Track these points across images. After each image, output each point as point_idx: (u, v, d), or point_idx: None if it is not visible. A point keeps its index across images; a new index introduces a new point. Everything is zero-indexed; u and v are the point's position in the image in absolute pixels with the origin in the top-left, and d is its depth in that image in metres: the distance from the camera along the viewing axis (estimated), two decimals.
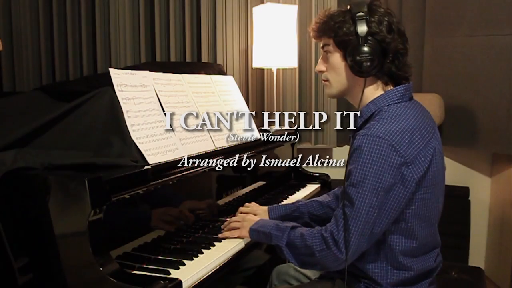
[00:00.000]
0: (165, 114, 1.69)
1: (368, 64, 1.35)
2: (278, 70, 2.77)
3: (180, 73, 1.91)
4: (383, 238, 1.38)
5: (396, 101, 1.39)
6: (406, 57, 1.42)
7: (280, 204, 1.85)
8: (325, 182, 2.44)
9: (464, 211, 2.93)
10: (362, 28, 1.36)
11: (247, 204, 1.84)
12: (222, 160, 1.79)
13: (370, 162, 1.29)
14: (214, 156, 1.78)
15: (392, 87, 1.42)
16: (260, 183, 2.17)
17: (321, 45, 1.49)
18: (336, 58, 1.44)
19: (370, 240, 1.34)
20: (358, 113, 1.44)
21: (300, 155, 2.59)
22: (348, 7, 1.42)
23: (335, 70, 1.45)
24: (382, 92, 1.42)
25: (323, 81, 1.52)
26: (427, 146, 1.34)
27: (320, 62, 1.50)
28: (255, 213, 1.77)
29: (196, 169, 1.63)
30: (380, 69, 1.38)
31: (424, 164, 1.32)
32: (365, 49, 1.35)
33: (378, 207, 1.29)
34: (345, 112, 2.99)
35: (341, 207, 1.33)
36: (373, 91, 1.42)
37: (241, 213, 1.77)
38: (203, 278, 1.35)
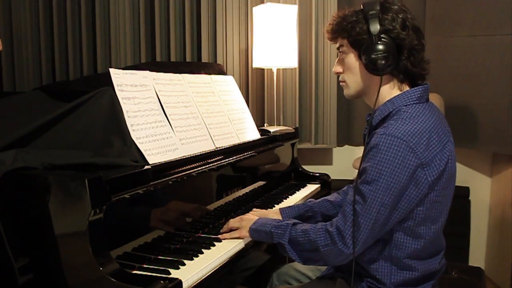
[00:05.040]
0: (165, 114, 1.69)
1: (383, 62, 1.36)
2: (278, 70, 2.77)
3: (180, 73, 1.91)
4: (390, 237, 1.38)
5: (414, 102, 1.39)
6: (423, 52, 1.42)
7: (292, 205, 1.84)
8: (325, 182, 2.44)
9: (464, 211, 2.93)
10: (375, 26, 1.37)
11: (256, 209, 1.83)
12: (222, 160, 1.79)
13: (387, 161, 1.29)
14: (214, 156, 1.78)
15: (407, 86, 1.43)
16: (260, 183, 2.17)
17: (336, 46, 1.50)
18: (351, 58, 1.45)
19: (376, 237, 1.35)
20: (374, 111, 1.45)
21: (300, 155, 2.60)
22: (362, 6, 1.43)
23: (351, 70, 1.46)
24: (398, 91, 1.42)
25: (340, 82, 1.52)
26: (444, 149, 1.35)
27: (337, 64, 1.51)
28: (266, 216, 1.76)
29: (196, 169, 1.63)
30: (396, 66, 1.38)
31: (439, 167, 1.32)
32: (379, 47, 1.35)
33: (390, 207, 1.30)
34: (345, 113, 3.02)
35: (351, 203, 1.33)
36: (389, 90, 1.43)
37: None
38: (203, 278, 1.35)
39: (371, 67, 1.38)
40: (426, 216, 1.36)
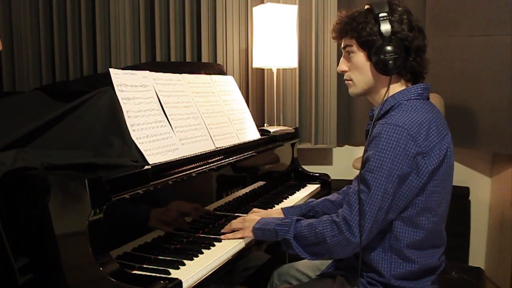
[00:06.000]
0: (165, 114, 1.69)
1: (393, 62, 1.39)
2: (278, 70, 2.77)
3: (180, 73, 1.91)
4: (389, 227, 1.40)
5: (415, 97, 1.44)
6: (425, 53, 1.47)
7: (294, 205, 1.85)
8: (325, 182, 2.44)
9: (464, 211, 2.93)
10: (386, 28, 1.40)
11: (256, 209, 1.84)
12: (222, 160, 1.79)
13: (388, 149, 1.32)
14: (214, 156, 1.78)
15: (411, 85, 1.47)
16: (260, 183, 2.17)
17: (342, 45, 1.52)
18: (360, 58, 1.47)
19: (380, 226, 1.37)
20: (381, 106, 1.47)
21: (300, 155, 2.60)
22: (367, 7, 1.45)
23: (359, 69, 1.48)
24: (402, 89, 1.46)
25: (346, 81, 1.54)
26: (443, 141, 1.38)
27: (342, 62, 1.53)
28: (270, 215, 1.77)
29: (196, 169, 1.63)
30: (404, 66, 1.43)
31: (438, 157, 1.36)
32: (390, 48, 1.39)
33: (393, 194, 1.33)
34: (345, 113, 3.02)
35: (356, 193, 1.35)
36: (396, 88, 1.47)
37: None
38: (203, 278, 1.35)
39: (381, 67, 1.42)
40: (425, 206, 1.38)
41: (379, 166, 1.33)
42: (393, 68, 1.40)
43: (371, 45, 1.42)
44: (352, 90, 1.53)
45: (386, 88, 1.44)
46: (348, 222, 1.35)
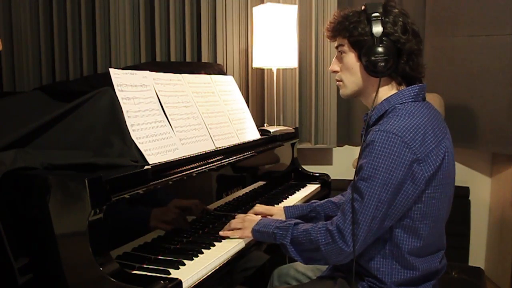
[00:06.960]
0: (165, 114, 1.69)
1: (383, 64, 1.36)
2: (278, 70, 2.77)
3: (180, 73, 1.91)
4: (389, 236, 1.38)
5: (410, 100, 1.40)
6: (420, 57, 1.43)
7: (296, 205, 1.85)
8: (325, 182, 2.44)
9: (464, 211, 2.93)
10: (377, 29, 1.37)
11: (258, 205, 1.83)
12: (222, 160, 1.79)
13: (382, 157, 1.29)
14: (214, 156, 1.78)
15: (405, 87, 1.43)
16: (260, 183, 2.17)
17: (335, 45, 1.50)
18: (351, 58, 1.45)
19: (376, 234, 1.35)
20: (372, 110, 1.45)
21: (300, 155, 2.60)
22: (363, 7, 1.43)
23: (349, 70, 1.46)
24: (396, 91, 1.43)
25: (336, 81, 1.52)
26: (440, 145, 1.35)
27: (334, 62, 1.51)
28: (271, 213, 1.77)
29: (196, 169, 1.63)
30: (395, 69, 1.39)
31: (435, 163, 1.32)
32: (380, 49, 1.36)
33: (388, 203, 1.30)
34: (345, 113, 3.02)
35: (349, 200, 1.33)
36: (388, 91, 1.44)
37: (255, 212, 1.77)
38: (203, 278, 1.35)
39: (371, 68, 1.39)
40: (425, 213, 1.36)
41: (373, 175, 1.30)
42: (382, 70, 1.37)
43: (362, 45, 1.40)
44: (342, 91, 1.51)
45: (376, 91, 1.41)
46: (341, 231, 1.33)
